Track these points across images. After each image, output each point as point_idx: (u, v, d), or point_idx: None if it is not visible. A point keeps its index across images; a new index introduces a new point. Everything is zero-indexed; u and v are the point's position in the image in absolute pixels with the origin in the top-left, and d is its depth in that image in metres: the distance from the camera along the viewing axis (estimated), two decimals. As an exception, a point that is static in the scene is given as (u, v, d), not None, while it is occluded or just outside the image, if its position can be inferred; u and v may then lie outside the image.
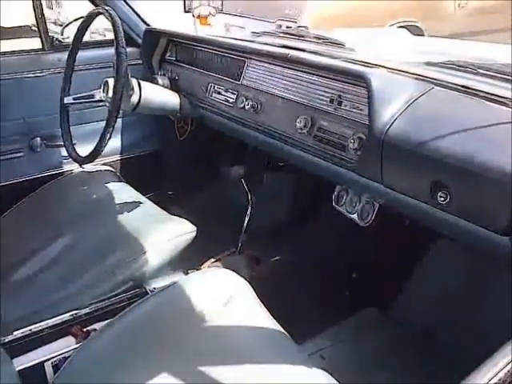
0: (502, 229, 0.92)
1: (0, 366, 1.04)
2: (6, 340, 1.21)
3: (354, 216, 1.41)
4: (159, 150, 2.14)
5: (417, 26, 4.24)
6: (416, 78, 1.17)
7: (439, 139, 0.99)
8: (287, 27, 4.30)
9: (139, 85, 1.56)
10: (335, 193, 1.47)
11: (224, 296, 1.17)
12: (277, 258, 1.65)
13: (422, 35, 3.99)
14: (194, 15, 1.20)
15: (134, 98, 1.55)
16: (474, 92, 1.06)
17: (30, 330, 1.25)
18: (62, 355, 1.22)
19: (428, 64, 1.25)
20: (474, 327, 1.41)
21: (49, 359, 1.21)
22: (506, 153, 0.91)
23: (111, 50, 1.90)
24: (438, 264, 1.44)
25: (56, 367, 1.21)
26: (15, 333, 1.24)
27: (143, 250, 1.42)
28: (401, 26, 3.92)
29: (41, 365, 1.19)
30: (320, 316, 1.54)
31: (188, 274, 1.45)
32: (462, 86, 1.09)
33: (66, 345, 1.27)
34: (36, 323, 1.27)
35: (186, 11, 1.24)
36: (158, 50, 1.93)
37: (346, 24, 3.39)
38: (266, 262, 1.65)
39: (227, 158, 1.87)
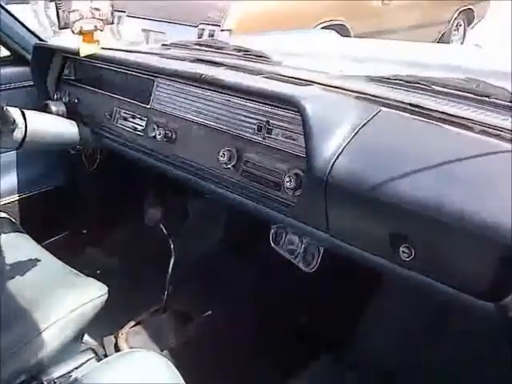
0: (481, 293, 0.72)
1: None
2: None
3: (296, 260, 1.19)
4: (65, 186, 1.82)
5: (343, 26, 4.13)
6: (358, 97, 0.96)
7: (395, 179, 0.78)
8: (211, 31, 4.09)
9: (23, 116, 1.26)
10: (272, 231, 1.24)
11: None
12: (209, 312, 1.39)
13: (349, 35, 3.87)
14: (73, 31, 0.94)
15: (18, 134, 1.25)
16: (431, 114, 0.86)
17: None
18: None
19: (372, 79, 1.04)
20: (431, 371, 1.24)
21: None
22: (482, 196, 0.72)
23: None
24: (393, 306, 1.26)
25: None
26: None
27: (39, 328, 1.12)
28: (327, 26, 3.78)
29: None
30: (267, 374, 1.31)
31: (99, 356, 1.16)
32: (416, 106, 0.89)
33: None
34: None
35: (61, 27, 0.98)
36: (52, 69, 1.62)
37: (271, 25, 3.20)
38: (198, 319, 1.38)
39: (145, 193, 1.59)
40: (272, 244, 1.25)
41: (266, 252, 1.25)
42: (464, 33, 5.08)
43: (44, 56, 1.61)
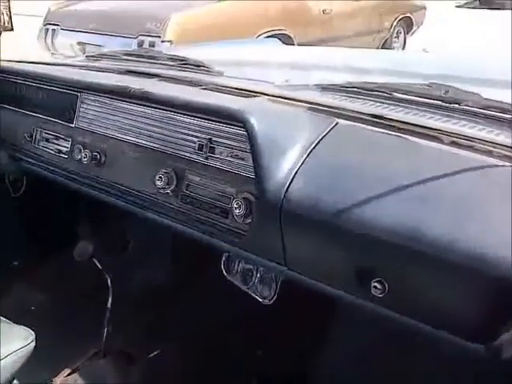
0: (468, 333, 0.62)
1: None
2: None
3: (251, 291, 1.06)
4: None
5: (286, 35, 4.08)
6: (312, 109, 0.85)
7: (359, 203, 0.67)
8: (151, 42, 3.93)
9: None
10: (223, 259, 1.11)
11: None
12: (157, 351, 1.23)
13: (293, 44, 3.82)
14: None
15: None
16: (395, 124, 0.76)
17: None
18: None
19: (324, 88, 0.93)
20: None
21: None
22: (460, 221, 0.62)
23: None
24: (356, 341, 1.14)
25: None
26: None
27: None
28: (270, 36, 3.71)
29: None
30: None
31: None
32: (377, 117, 0.78)
33: None
34: None
35: None
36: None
37: (212, 35, 3.10)
38: (143, 360, 1.22)
39: (75, 223, 1.41)
40: (224, 273, 1.11)
41: (218, 281, 1.11)
42: (404, 40, 5.18)
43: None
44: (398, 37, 5.12)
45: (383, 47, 4.88)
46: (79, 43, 4.06)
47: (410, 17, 5.14)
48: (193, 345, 1.22)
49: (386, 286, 0.66)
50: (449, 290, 0.62)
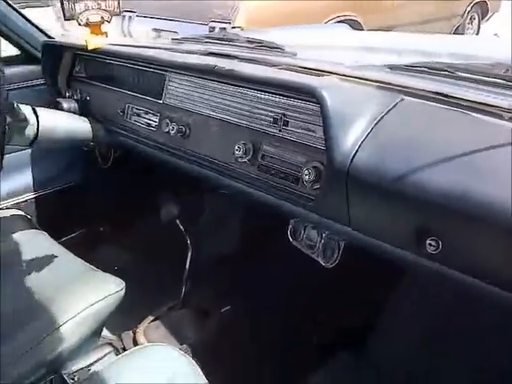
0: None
1: None
2: None
3: (315, 255, 1.16)
4: (80, 183, 1.82)
5: (355, 21, 4.08)
6: (379, 87, 0.93)
7: (420, 170, 0.75)
8: (221, 29, 4.08)
9: (35, 113, 1.25)
10: (290, 227, 1.21)
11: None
12: (228, 307, 1.37)
13: (362, 30, 3.83)
14: (79, 23, 0.93)
15: (30, 131, 1.24)
16: (457, 101, 0.83)
17: None
18: None
19: (390, 67, 1.01)
20: (454, 372, 1.20)
21: None
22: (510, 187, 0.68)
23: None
24: (416, 303, 1.22)
25: None
26: None
27: (57, 323, 1.11)
28: (339, 22, 3.74)
29: None
30: (286, 371, 1.28)
31: (118, 349, 1.15)
32: (440, 94, 0.85)
33: None
34: None
35: (66, 18, 0.96)
36: (63, 67, 1.61)
37: (281, 21, 3.18)
38: (216, 314, 1.37)
39: (160, 190, 1.57)
40: (290, 239, 1.22)
41: (285, 247, 1.23)
42: (478, 26, 5.00)
43: (54, 54, 1.60)
44: (471, 23, 4.95)
45: (456, 33, 4.74)
46: (154, 29, 4.27)
47: (485, 1, 4.94)
48: (259, 303, 1.35)
49: (440, 243, 0.74)
50: (495, 248, 0.69)
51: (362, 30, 3.86)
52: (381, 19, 4.20)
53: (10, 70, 1.57)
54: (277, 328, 1.34)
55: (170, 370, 0.95)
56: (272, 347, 1.32)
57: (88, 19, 0.95)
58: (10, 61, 1.66)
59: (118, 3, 0.97)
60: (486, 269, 0.72)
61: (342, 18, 3.93)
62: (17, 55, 1.73)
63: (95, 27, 0.96)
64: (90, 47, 1.05)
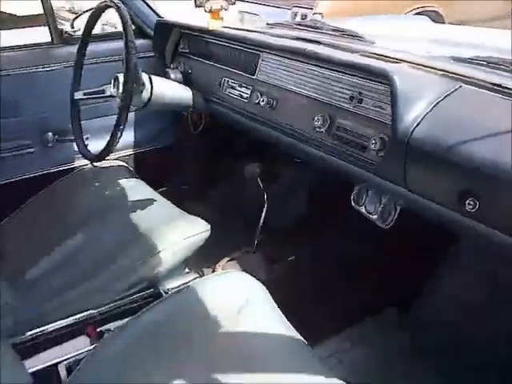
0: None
1: (11, 367, 1.01)
2: (18, 341, 1.19)
3: (374, 217, 1.36)
4: (173, 144, 2.10)
5: (436, 12, 4.11)
6: (442, 75, 1.11)
7: (468, 144, 0.93)
8: (303, 14, 4.25)
9: (150, 80, 1.51)
10: (354, 192, 1.42)
11: (240, 300, 1.14)
12: (293, 257, 1.61)
13: (443, 22, 3.86)
14: (205, 10, 1.16)
15: (145, 94, 1.50)
16: (508, 91, 0.99)
17: (43, 330, 1.23)
18: (76, 357, 1.21)
19: (455, 59, 1.18)
20: (497, 335, 1.35)
21: (62, 361, 1.19)
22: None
23: (121, 43, 1.88)
24: (462, 267, 1.39)
25: (69, 369, 1.19)
26: (27, 333, 1.22)
27: (157, 249, 1.38)
28: (419, 13, 3.80)
29: (54, 366, 1.17)
30: (338, 317, 1.50)
31: (203, 275, 1.41)
32: (494, 85, 1.02)
33: (79, 345, 1.26)
34: (48, 324, 1.26)
35: (196, 5, 1.19)
36: (170, 43, 1.88)
37: (361, 10, 3.30)
38: (282, 262, 1.61)
39: (243, 155, 1.82)
40: (353, 203, 1.43)
41: (347, 210, 1.43)
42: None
43: (164, 31, 1.87)
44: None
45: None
46: (239, 12, 4.52)
47: None
48: (320, 257, 1.57)
49: (477, 203, 0.92)
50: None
51: (443, 22, 3.89)
52: (464, 12, 4.18)
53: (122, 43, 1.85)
54: (334, 279, 1.56)
55: (245, 292, 1.19)
56: (327, 295, 1.54)
57: (211, 7, 1.18)
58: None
59: (234, -6, 1.20)
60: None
61: (424, 9, 3.96)
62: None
63: (215, 13, 1.19)
64: (210, 28, 1.30)
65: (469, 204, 0.93)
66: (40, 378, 1.15)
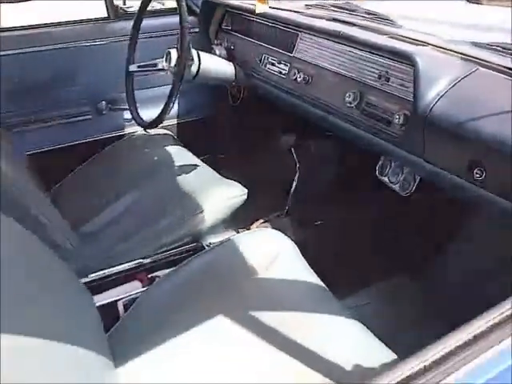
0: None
1: (86, 300, 1.21)
2: (85, 281, 1.40)
3: (396, 186, 1.51)
4: (213, 115, 2.27)
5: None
6: (462, 58, 1.23)
7: (478, 120, 1.07)
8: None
9: (199, 56, 1.67)
10: (379, 163, 1.57)
11: (272, 253, 1.30)
12: (320, 221, 1.78)
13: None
14: (252, -6, 1.31)
15: (194, 69, 1.66)
16: (517, 74, 1.12)
17: (104, 273, 1.44)
18: (131, 296, 1.41)
19: (474, 44, 1.30)
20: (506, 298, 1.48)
21: (120, 299, 1.39)
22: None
23: (171, 19, 2.04)
24: (475, 238, 1.52)
25: (126, 306, 1.39)
26: (91, 275, 1.43)
27: (200, 209, 1.56)
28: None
29: (114, 303, 1.38)
30: (358, 277, 1.66)
31: (239, 232, 1.59)
32: (507, 68, 1.14)
33: (133, 288, 1.46)
34: (106, 269, 1.46)
35: None
36: (214, 20, 2.03)
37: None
38: (311, 225, 1.78)
39: (278, 127, 1.98)
40: (377, 174, 1.58)
41: (370, 182, 1.58)
42: None
43: (209, 9, 2.02)
44: None
45: None
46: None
47: None
48: (345, 222, 1.74)
49: (484, 172, 1.06)
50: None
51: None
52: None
53: (174, 19, 2.00)
54: (356, 243, 1.72)
55: (277, 246, 1.35)
56: (349, 257, 1.70)
57: (261, -8, 1.33)
58: (175, 12, 2.12)
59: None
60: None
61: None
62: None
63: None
64: (257, 12, 1.45)
65: (476, 173, 1.08)
66: (102, 312, 1.36)
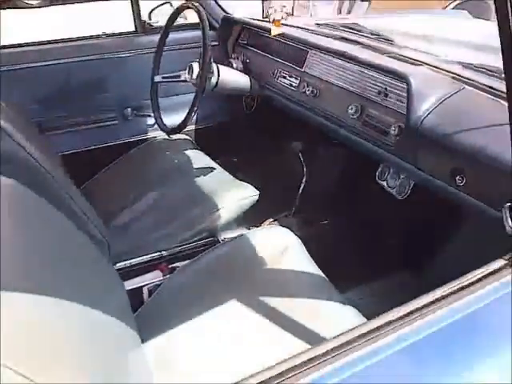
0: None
1: (119, 285, 1.37)
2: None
3: (393, 191, 1.67)
4: (228, 122, 2.45)
5: (484, 1, 4.16)
6: (452, 77, 1.40)
7: (460, 133, 1.23)
8: (351, 2, 4.44)
9: (218, 69, 1.85)
10: (379, 169, 1.73)
11: (280, 247, 1.47)
12: (326, 221, 1.95)
13: (488, 14, 3.95)
14: (269, 20, 1.48)
15: (213, 80, 1.84)
16: (499, 93, 1.28)
17: (130, 263, 1.61)
18: (155, 283, 1.58)
19: (464, 65, 1.46)
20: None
21: (145, 285, 1.57)
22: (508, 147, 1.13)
23: (193, 33, 2.22)
24: (464, 238, 1.67)
25: (150, 292, 1.56)
26: (118, 264, 1.61)
27: (216, 207, 1.73)
28: (458, 5, 3.92)
29: (140, 289, 1.55)
30: (360, 273, 1.82)
31: (251, 229, 1.76)
32: (492, 88, 1.30)
33: (155, 277, 1.64)
34: (134, 258, 1.63)
35: (263, 17, 1.50)
36: (232, 35, 2.21)
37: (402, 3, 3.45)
38: (317, 224, 1.95)
39: (287, 134, 2.15)
40: (377, 179, 1.74)
41: (371, 185, 1.74)
42: None
43: (228, 25, 2.20)
44: None
45: None
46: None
47: None
48: (347, 222, 1.90)
49: (464, 179, 1.22)
50: (498, 184, 1.15)
51: (489, 14, 3.98)
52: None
53: (195, 33, 2.17)
54: (358, 241, 1.88)
55: (285, 242, 1.51)
56: (351, 254, 1.87)
57: (274, 17, 1.51)
58: (196, 26, 2.30)
59: (292, 8, 1.51)
60: (493, 198, 1.18)
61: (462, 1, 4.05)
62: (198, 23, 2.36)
63: (277, 22, 1.52)
64: (273, 34, 1.63)
65: (458, 179, 1.24)
66: (129, 296, 1.53)
